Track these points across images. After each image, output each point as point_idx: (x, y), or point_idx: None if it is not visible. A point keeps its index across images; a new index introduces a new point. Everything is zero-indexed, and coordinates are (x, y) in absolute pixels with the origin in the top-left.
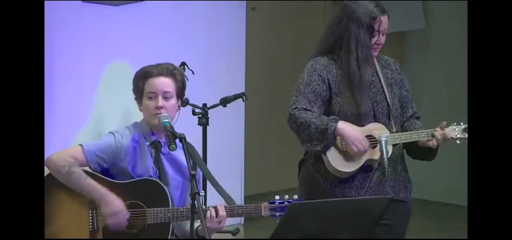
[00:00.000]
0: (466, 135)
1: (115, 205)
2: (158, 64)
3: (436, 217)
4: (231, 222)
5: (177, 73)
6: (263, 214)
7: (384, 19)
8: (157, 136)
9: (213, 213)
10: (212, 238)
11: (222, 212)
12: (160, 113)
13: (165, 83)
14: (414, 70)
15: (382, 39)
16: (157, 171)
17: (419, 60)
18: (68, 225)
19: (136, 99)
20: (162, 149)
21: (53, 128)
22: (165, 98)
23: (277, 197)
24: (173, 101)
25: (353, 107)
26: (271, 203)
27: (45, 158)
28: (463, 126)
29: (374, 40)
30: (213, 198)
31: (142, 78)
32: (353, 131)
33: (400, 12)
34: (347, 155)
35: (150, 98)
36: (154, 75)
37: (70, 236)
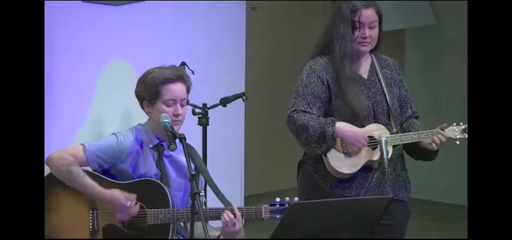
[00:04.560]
0: (466, 136)
1: (119, 200)
2: (171, 68)
3: (436, 217)
4: None
5: (187, 78)
6: (263, 217)
7: (366, 12)
8: (160, 139)
9: (231, 216)
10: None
11: (238, 212)
12: (178, 121)
13: (182, 90)
14: (415, 69)
15: (368, 32)
16: (160, 173)
17: (420, 58)
18: (68, 225)
19: (148, 100)
20: (165, 152)
21: (53, 127)
22: (182, 105)
23: (277, 199)
24: (186, 106)
25: (343, 102)
26: (271, 205)
27: (45, 157)
28: (463, 127)
29: (357, 33)
30: (213, 199)
31: (160, 83)
32: (351, 131)
33: (409, 9)
34: (347, 156)
35: (169, 105)
36: (173, 81)
37: (70, 236)
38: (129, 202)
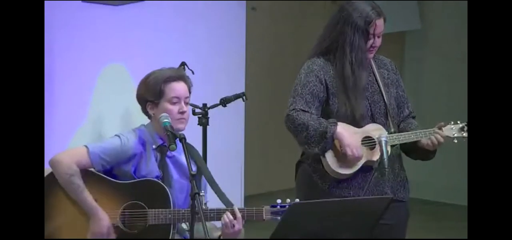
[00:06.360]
0: (464, 134)
1: (101, 227)
2: (171, 68)
3: (436, 217)
4: None
5: (188, 78)
6: (264, 218)
7: (379, 22)
8: (164, 140)
9: (231, 217)
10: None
11: (238, 214)
12: (183, 119)
13: (185, 89)
14: (414, 70)
15: (378, 41)
16: (161, 174)
17: (419, 60)
18: (68, 225)
19: (151, 101)
20: (168, 152)
21: (53, 127)
22: (186, 103)
23: (278, 200)
24: (188, 105)
25: (349, 110)
26: (272, 206)
27: (50, 158)
28: (460, 125)
29: (369, 43)
30: (213, 199)
31: (163, 82)
32: (350, 136)
33: (396, 12)
34: (346, 157)
35: (174, 103)
36: (175, 79)
37: (71, 235)
38: (109, 234)
